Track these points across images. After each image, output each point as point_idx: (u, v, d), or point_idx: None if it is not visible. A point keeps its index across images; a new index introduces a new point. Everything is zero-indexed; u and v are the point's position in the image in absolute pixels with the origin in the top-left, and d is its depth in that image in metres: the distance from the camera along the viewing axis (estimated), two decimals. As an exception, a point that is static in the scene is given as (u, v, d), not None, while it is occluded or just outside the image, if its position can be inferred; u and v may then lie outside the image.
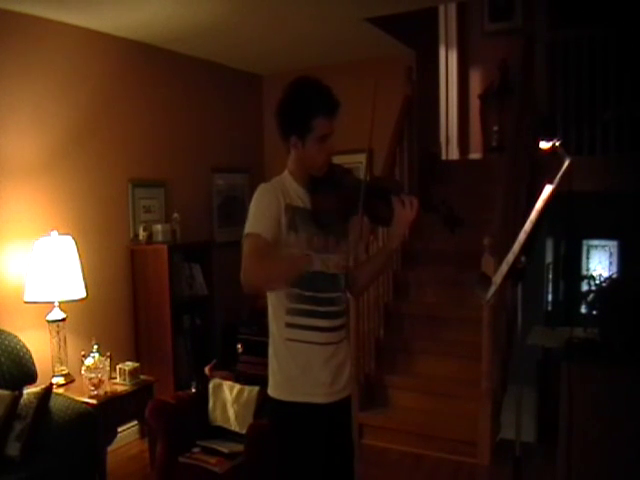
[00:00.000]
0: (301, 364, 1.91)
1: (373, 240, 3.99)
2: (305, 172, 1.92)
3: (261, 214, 1.84)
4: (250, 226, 1.84)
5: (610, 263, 7.15)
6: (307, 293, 1.89)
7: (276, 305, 1.93)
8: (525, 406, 2.51)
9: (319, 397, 1.92)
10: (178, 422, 3.05)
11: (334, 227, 1.93)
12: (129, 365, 3.54)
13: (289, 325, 1.91)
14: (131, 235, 4.23)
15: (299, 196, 1.91)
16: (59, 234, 3.49)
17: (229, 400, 3.14)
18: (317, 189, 1.91)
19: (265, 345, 2.00)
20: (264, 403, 2.05)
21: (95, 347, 3.40)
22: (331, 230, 1.93)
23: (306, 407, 1.91)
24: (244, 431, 2.93)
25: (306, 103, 1.83)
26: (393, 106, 4.69)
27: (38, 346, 3.38)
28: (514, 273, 2.20)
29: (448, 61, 5.90)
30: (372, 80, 1.88)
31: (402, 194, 1.91)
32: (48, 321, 3.42)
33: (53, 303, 3.42)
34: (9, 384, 3.00)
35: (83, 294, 3.51)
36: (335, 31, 4.26)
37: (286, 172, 1.96)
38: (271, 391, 1.98)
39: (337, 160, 1.99)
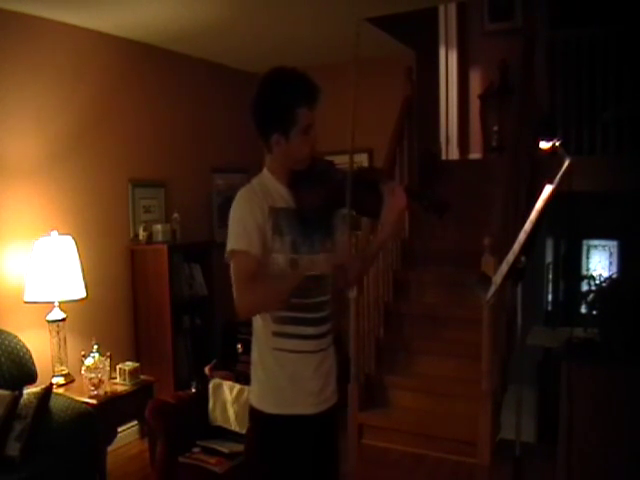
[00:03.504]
0: (290, 374, 1.81)
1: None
2: (287, 169, 1.81)
3: (245, 226, 1.73)
4: (235, 242, 1.74)
5: (610, 263, 7.15)
6: (295, 300, 1.77)
7: (262, 313, 1.83)
8: (525, 406, 2.51)
9: (308, 408, 1.84)
10: (178, 422, 3.05)
11: (320, 224, 1.85)
12: (129, 365, 3.54)
13: (276, 334, 1.81)
14: (131, 235, 4.23)
15: (282, 195, 1.81)
16: (59, 234, 3.49)
17: (229, 400, 3.14)
18: (300, 185, 1.81)
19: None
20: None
21: (95, 347, 3.40)
22: (317, 227, 1.83)
23: (294, 419, 1.82)
24: (244, 431, 2.92)
25: (287, 95, 1.71)
26: (393, 106, 4.69)
27: (38, 346, 3.38)
28: (514, 273, 2.20)
29: (448, 61, 5.89)
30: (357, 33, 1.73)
31: (390, 182, 1.85)
32: (48, 321, 3.42)
33: (53, 303, 3.41)
34: (9, 384, 2.99)
35: (83, 294, 3.51)
36: (335, 31, 4.26)
37: (265, 171, 1.85)
38: (255, 402, 1.87)
39: (338, 160, 1.94)
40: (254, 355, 1.88)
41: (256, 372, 1.88)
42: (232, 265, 1.75)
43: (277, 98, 1.72)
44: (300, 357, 1.82)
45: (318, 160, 1.85)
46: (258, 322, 1.85)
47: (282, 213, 1.78)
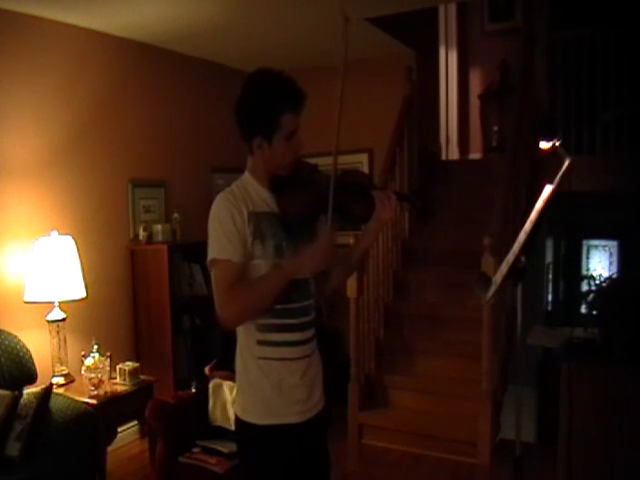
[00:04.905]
0: (275, 383, 1.76)
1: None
2: (269, 173, 1.78)
3: (225, 233, 1.70)
4: (215, 250, 1.72)
5: (610, 263, 7.14)
6: (278, 306, 1.74)
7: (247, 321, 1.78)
8: (525, 406, 2.51)
9: (295, 416, 1.79)
10: (178, 422, 3.05)
11: (304, 228, 1.80)
12: (129, 365, 3.54)
13: (261, 342, 1.76)
14: (131, 235, 4.23)
15: (264, 200, 1.77)
16: (59, 234, 3.49)
17: (229, 400, 3.13)
18: (283, 189, 1.76)
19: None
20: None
21: (95, 347, 3.39)
22: (301, 232, 1.79)
23: (281, 429, 1.78)
24: (244, 431, 2.92)
25: (272, 100, 1.67)
26: (393, 106, 4.70)
27: (38, 346, 3.38)
28: (514, 273, 2.20)
29: (448, 61, 5.90)
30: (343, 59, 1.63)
31: (383, 190, 1.82)
32: (48, 321, 3.42)
33: (53, 303, 3.41)
34: (9, 384, 2.99)
35: (83, 294, 3.50)
36: (335, 31, 4.25)
37: (247, 174, 1.83)
38: (241, 413, 1.82)
39: (332, 161, 1.93)
40: (238, 365, 1.84)
41: (241, 382, 1.84)
42: (213, 274, 1.73)
43: (262, 102, 1.68)
44: (286, 365, 1.78)
45: (302, 164, 1.81)
46: (241, 332, 1.80)
47: (264, 218, 1.74)
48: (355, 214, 1.83)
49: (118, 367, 3.52)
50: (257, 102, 1.69)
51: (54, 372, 3.44)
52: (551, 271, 6.61)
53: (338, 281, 2.01)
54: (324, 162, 1.91)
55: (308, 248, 1.71)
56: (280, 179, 1.78)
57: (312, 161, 1.87)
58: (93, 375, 3.30)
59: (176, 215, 4.35)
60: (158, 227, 4.20)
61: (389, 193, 1.82)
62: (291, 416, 1.79)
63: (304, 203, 1.76)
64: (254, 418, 1.79)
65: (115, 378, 3.50)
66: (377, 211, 1.78)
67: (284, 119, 1.69)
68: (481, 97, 5.64)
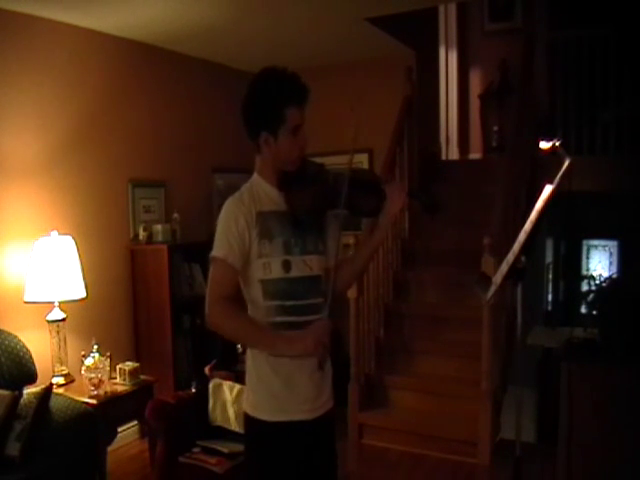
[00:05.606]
0: (285, 380, 1.78)
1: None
2: (276, 170, 1.79)
3: (227, 235, 1.75)
4: (216, 248, 1.78)
5: (610, 263, 7.15)
6: (288, 303, 1.76)
7: (255, 318, 1.81)
8: (525, 406, 2.51)
9: (304, 414, 1.81)
10: (178, 422, 3.05)
11: (312, 225, 1.82)
12: (129, 365, 3.54)
13: None
14: (131, 235, 4.23)
15: (271, 198, 1.79)
16: (59, 234, 3.49)
17: (229, 400, 3.13)
18: (291, 186, 1.78)
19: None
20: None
21: (95, 347, 3.39)
22: (309, 228, 1.81)
23: (290, 426, 1.79)
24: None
25: (275, 93, 1.72)
26: (393, 106, 4.70)
27: (38, 346, 3.38)
28: (514, 273, 2.20)
29: (448, 61, 5.90)
30: (354, 98, 1.80)
31: (393, 182, 1.86)
32: (48, 321, 3.42)
33: (53, 303, 3.41)
34: (9, 384, 2.99)
35: (83, 294, 3.50)
36: (335, 31, 4.26)
37: (255, 175, 1.85)
38: (250, 410, 1.85)
39: (332, 161, 1.93)
40: (248, 362, 1.87)
41: (250, 379, 1.87)
42: (210, 271, 1.80)
43: (266, 96, 1.73)
44: (295, 362, 1.78)
45: (309, 162, 1.83)
46: None
47: (271, 216, 1.77)
48: (364, 208, 1.85)
49: (118, 367, 3.52)
50: (261, 97, 1.74)
51: (54, 372, 3.44)
52: (551, 271, 6.61)
53: (348, 281, 2.01)
54: (327, 162, 1.92)
55: (304, 333, 1.72)
56: (288, 176, 1.80)
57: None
58: (93, 375, 3.30)
59: (176, 215, 4.35)
60: (158, 227, 4.19)
61: (400, 184, 1.84)
62: (300, 413, 1.81)
63: (312, 198, 1.78)
64: (263, 415, 1.81)
65: (115, 378, 3.50)
66: (388, 202, 1.80)
67: (288, 113, 1.72)
68: (481, 97, 5.64)
